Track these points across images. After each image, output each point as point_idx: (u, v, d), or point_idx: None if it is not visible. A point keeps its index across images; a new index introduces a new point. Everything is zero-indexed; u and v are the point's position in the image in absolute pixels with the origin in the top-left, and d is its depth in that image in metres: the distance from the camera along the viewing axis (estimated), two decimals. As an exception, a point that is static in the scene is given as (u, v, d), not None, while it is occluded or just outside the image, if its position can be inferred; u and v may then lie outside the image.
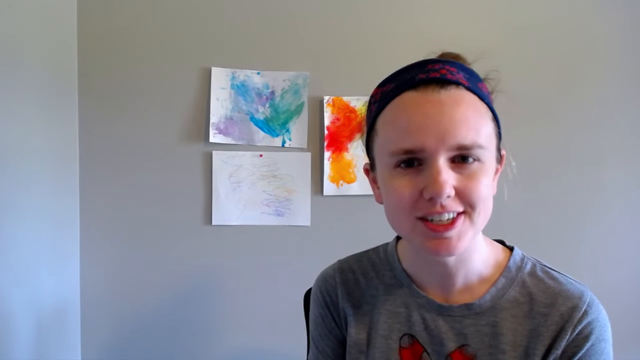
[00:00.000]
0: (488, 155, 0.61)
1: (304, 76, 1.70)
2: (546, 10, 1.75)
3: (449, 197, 0.57)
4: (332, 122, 1.71)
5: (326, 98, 1.71)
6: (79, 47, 1.65)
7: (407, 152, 0.59)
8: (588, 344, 0.62)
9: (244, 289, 1.72)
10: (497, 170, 0.66)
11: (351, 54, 1.71)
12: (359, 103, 1.71)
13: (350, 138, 1.72)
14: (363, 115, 1.69)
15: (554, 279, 0.68)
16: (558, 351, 0.63)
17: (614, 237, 1.78)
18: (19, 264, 1.36)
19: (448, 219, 0.59)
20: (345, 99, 1.71)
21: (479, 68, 0.67)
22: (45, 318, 1.50)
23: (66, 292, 1.62)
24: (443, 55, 0.68)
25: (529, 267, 0.69)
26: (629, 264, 1.79)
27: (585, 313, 0.64)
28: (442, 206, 0.58)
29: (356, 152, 1.71)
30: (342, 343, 0.78)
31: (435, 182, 0.56)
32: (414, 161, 0.60)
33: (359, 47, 1.71)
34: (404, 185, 0.60)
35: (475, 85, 0.62)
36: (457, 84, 0.60)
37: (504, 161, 0.68)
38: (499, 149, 0.65)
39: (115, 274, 1.69)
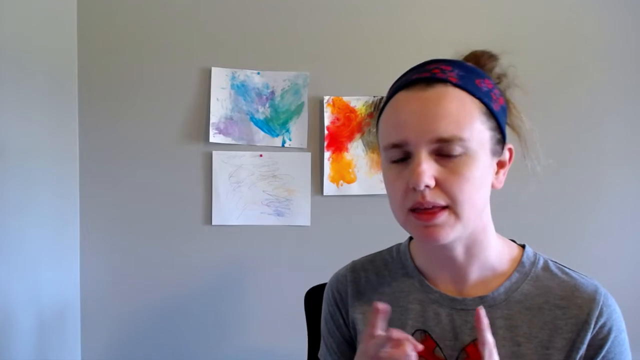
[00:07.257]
0: (477, 149, 0.62)
1: (304, 76, 1.70)
2: (546, 10, 1.75)
3: (428, 187, 0.60)
4: (332, 122, 1.71)
5: (326, 98, 1.71)
6: (79, 47, 1.65)
7: (394, 146, 0.64)
8: (612, 336, 0.65)
9: (244, 288, 1.72)
10: (502, 164, 0.68)
11: (351, 54, 1.71)
12: (359, 103, 1.71)
13: (350, 138, 1.72)
14: (363, 115, 1.70)
15: (566, 274, 0.70)
16: (583, 346, 0.65)
17: (613, 237, 1.78)
18: (19, 263, 1.37)
19: (433, 208, 0.62)
20: (345, 99, 1.71)
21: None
22: (45, 318, 1.50)
23: (66, 291, 1.62)
24: (472, 53, 0.72)
25: (541, 262, 0.72)
26: (628, 264, 1.79)
27: (605, 305, 0.66)
28: (422, 196, 0.61)
29: (356, 152, 1.71)
30: (347, 341, 0.79)
31: (413, 172, 0.61)
32: (404, 156, 0.64)
33: (359, 47, 1.71)
34: (395, 178, 0.65)
35: (470, 82, 0.64)
36: (445, 81, 0.63)
37: (513, 156, 0.70)
38: (501, 143, 0.66)
39: (115, 273, 1.69)
